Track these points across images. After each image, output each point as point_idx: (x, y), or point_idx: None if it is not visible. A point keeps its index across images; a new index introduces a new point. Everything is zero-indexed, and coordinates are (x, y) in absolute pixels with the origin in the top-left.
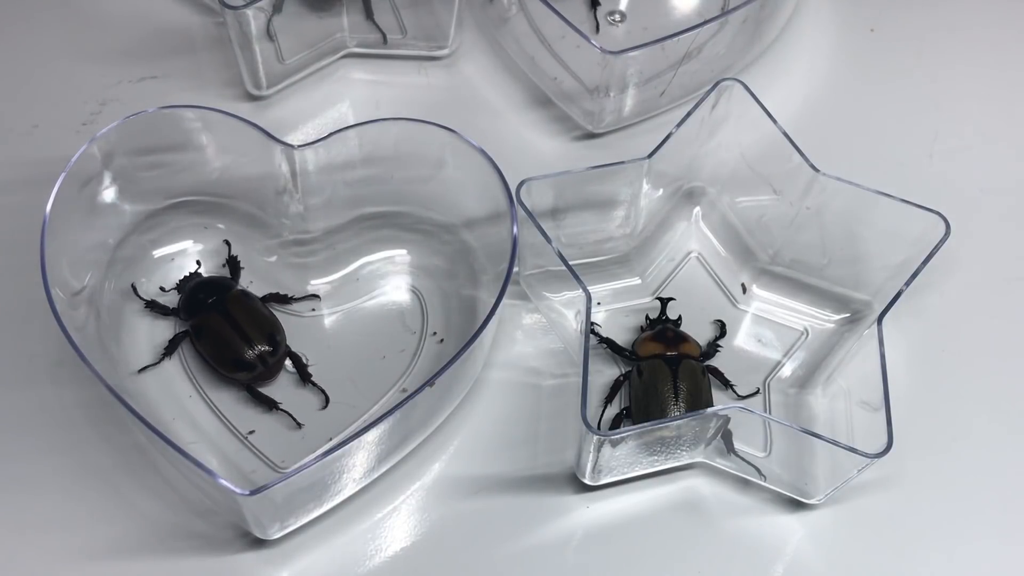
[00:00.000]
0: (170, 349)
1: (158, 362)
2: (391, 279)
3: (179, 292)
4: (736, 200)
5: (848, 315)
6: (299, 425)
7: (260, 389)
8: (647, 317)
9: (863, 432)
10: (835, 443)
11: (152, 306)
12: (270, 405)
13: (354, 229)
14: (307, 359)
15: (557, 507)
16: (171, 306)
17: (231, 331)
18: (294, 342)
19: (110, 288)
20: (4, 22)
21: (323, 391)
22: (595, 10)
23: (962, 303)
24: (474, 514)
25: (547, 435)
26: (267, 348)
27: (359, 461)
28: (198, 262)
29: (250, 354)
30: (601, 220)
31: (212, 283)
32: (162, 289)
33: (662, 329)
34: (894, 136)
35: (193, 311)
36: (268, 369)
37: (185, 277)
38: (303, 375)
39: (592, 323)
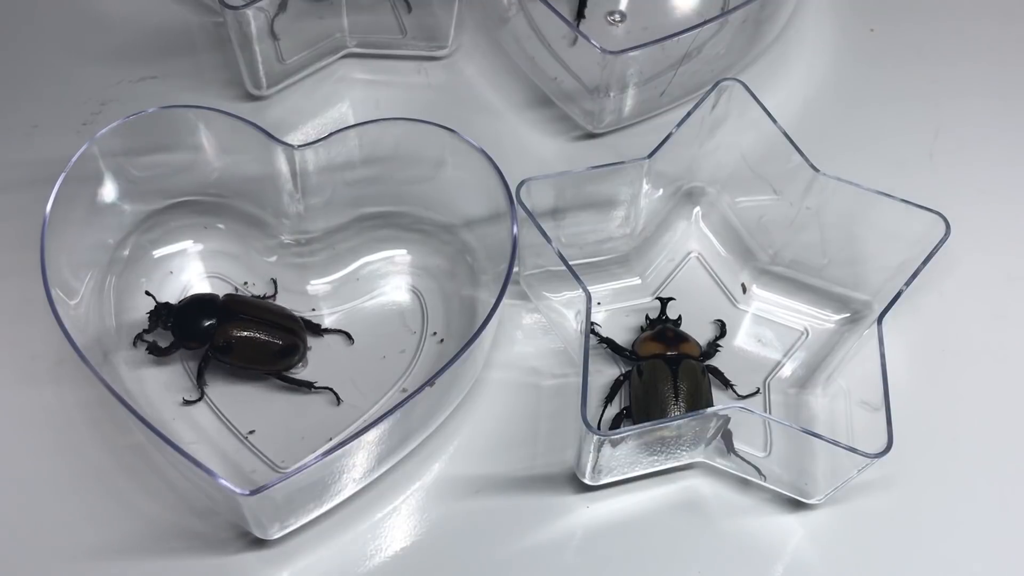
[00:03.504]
0: (202, 378)
1: (200, 397)
2: (391, 279)
3: (165, 327)
4: (736, 200)
5: (848, 315)
6: (339, 400)
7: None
8: (647, 317)
9: (863, 432)
10: (835, 443)
11: (153, 350)
12: (308, 386)
13: (354, 229)
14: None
15: (557, 507)
16: (169, 343)
17: (262, 328)
18: None
19: (110, 288)
20: (4, 22)
21: (344, 332)
22: (582, 8)
23: (962, 303)
24: (474, 514)
25: (547, 435)
26: (298, 325)
27: (359, 461)
28: (148, 292)
29: (291, 337)
30: (601, 220)
31: (196, 303)
32: (145, 331)
33: (662, 329)
34: (894, 136)
35: (205, 335)
36: (305, 343)
37: (155, 312)
38: (315, 328)
39: (592, 323)
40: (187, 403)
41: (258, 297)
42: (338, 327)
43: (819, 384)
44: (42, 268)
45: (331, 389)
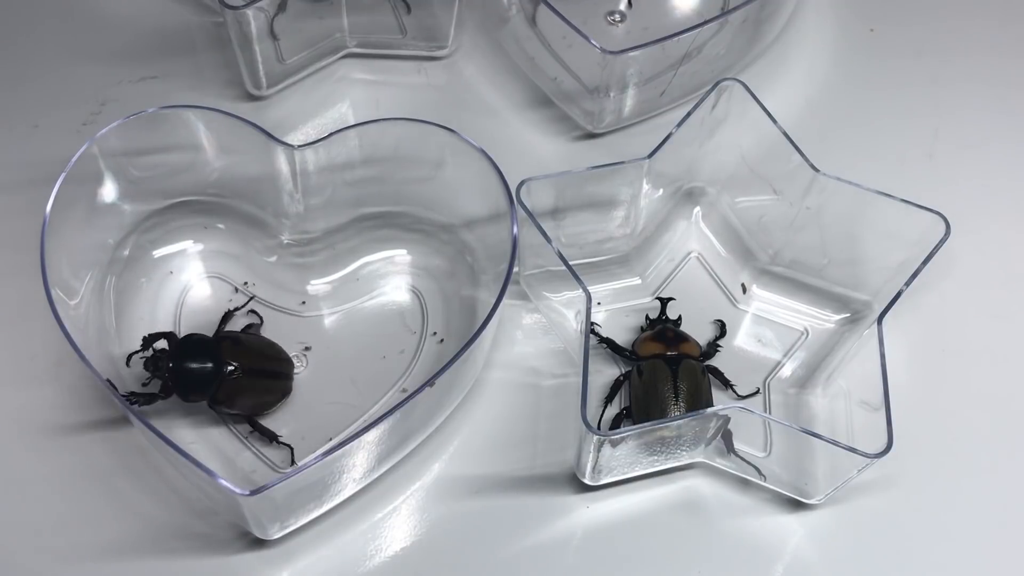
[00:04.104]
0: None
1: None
2: (391, 279)
3: (162, 378)
4: (736, 200)
5: (848, 315)
6: (293, 462)
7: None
8: (647, 317)
9: (863, 432)
10: (835, 443)
11: (146, 400)
12: (271, 438)
13: (354, 229)
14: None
15: (557, 507)
16: (162, 392)
17: (264, 382)
18: (293, 342)
19: (110, 288)
20: (4, 22)
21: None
22: None
23: (962, 303)
24: (474, 514)
25: (547, 435)
26: (290, 366)
27: (359, 461)
28: (146, 339)
29: (287, 384)
30: (601, 220)
31: (191, 354)
32: (144, 384)
33: (662, 329)
34: (894, 136)
35: (206, 394)
36: (292, 379)
37: (153, 359)
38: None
39: (592, 323)
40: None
41: (250, 329)
42: (338, 327)
43: (819, 384)
44: (42, 268)
45: (290, 447)
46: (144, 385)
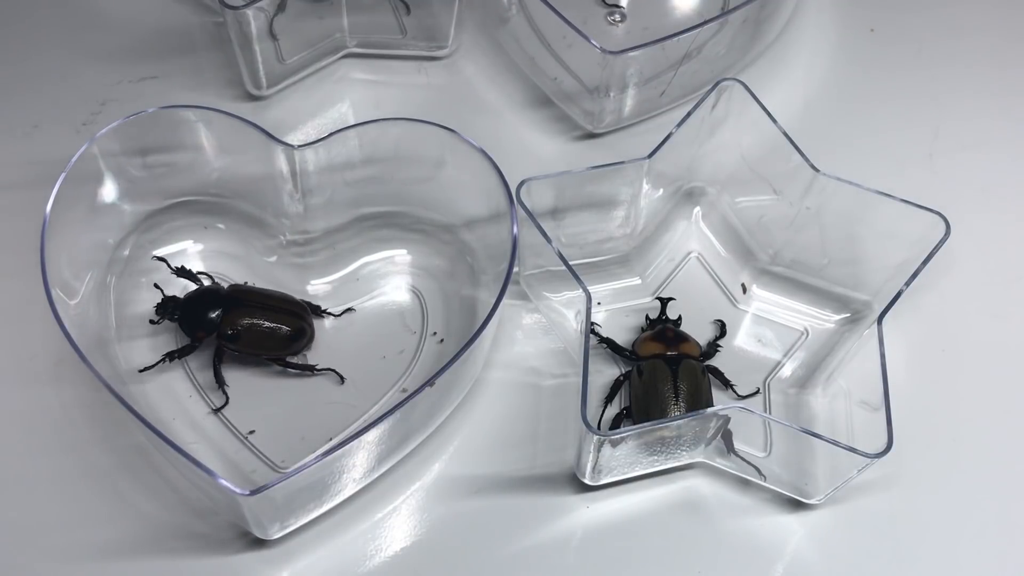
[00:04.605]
0: (220, 377)
1: (227, 400)
2: (391, 279)
3: (172, 319)
4: (736, 200)
5: (848, 315)
6: (342, 379)
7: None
8: (647, 317)
9: (863, 432)
10: (835, 443)
11: (172, 355)
12: (310, 369)
13: (354, 229)
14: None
15: (557, 507)
16: (186, 343)
17: (268, 314)
18: None
19: (110, 288)
20: (4, 22)
21: (349, 309)
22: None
23: (962, 303)
24: (474, 514)
25: (547, 435)
26: (304, 310)
27: (359, 461)
28: (156, 285)
29: (297, 322)
30: (601, 220)
31: (202, 294)
32: (152, 322)
33: (662, 329)
34: (894, 136)
35: (212, 325)
36: (313, 327)
37: (162, 304)
38: (317, 310)
39: (592, 323)
40: (217, 410)
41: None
42: (338, 327)
43: (819, 384)
44: (42, 268)
45: (334, 370)
46: (152, 323)
